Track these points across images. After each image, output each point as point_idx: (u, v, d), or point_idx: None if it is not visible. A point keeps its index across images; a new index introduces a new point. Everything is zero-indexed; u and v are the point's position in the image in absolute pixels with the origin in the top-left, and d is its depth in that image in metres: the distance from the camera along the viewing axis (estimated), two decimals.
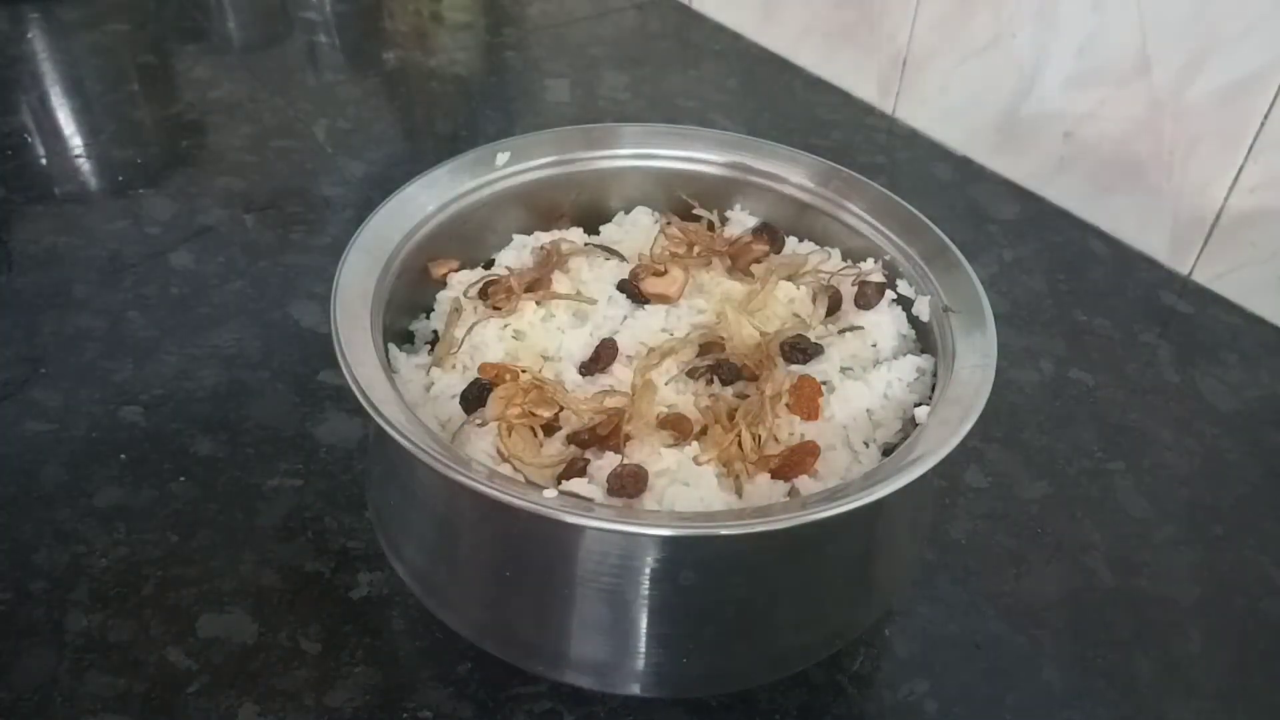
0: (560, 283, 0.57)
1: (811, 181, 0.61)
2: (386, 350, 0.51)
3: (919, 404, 0.52)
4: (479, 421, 0.49)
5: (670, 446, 0.48)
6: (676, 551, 0.44)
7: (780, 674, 0.52)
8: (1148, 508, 0.64)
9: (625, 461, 0.47)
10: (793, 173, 0.61)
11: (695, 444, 0.48)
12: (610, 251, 0.60)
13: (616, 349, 0.53)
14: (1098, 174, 0.87)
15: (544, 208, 0.62)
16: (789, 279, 0.57)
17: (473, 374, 0.52)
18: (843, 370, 0.54)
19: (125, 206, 0.85)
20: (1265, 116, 0.74)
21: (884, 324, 0.55)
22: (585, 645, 0.47)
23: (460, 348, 0.53)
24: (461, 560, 0.49)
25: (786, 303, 0.57)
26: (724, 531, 0.41)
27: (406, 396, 0.47)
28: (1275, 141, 0.75)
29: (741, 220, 0.63)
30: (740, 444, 0.48)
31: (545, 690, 0.51)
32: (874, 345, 0.55)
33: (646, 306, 0.57)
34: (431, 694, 0.51)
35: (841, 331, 0.55)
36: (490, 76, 1.10)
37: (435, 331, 0.56)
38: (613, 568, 0.45)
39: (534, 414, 0.49)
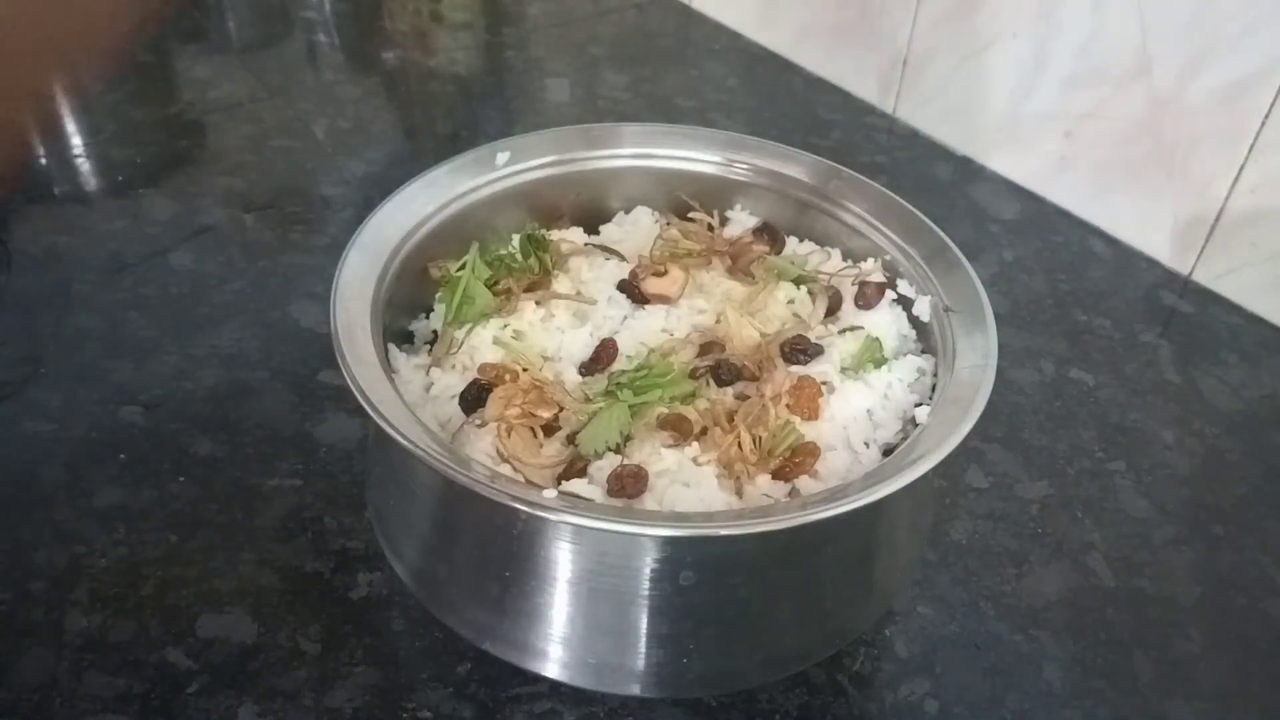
0: (560, 283, 0.57)
1: (811, 181, 0.61)
2: (386, 350, 0.51)
3: (919, 404, 0.52)
4: (478, 422, 0.49)
5: (670, 447, 0.48)
6: (676, 551, 0.44)
7: (780, 674, 0.52)
8: (1148, 508, 0.64)
9: (625, 461, 0.47)
10: (793, 173, 0.61)
11: (695, 444, 0.48)
12: (610, 251, 0.60)
13: (616, 349, 0.53)
14: (1098, 174, 0.87)
15: (544, 208, 0.62)
16: (792, 281, 0.57)
17: (472, 374, 0.52)
18: (843, 370, 0.54)
19: (125, 206, 0.85)
20: (1266, 116, 0.74)
21: (884, 324, 0.55)
22: (585, 645, 0.47)
23: (460, 348, 0.53)
24: (461, 560, 0.49)
25: (786, 303, 0.57)
26: (724, 531, 0.41)
27: (406, 396, 0.47)
28: (1276, 141, 0.75)
29: (741, 220, 0.63)
30: (740, 445, 0.48)
31: (545, 690, 0.51)
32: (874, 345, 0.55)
33: (646, 307, 0.57)
34: (431, 694, 0.51)
35: (841, 331, 0.55)
36: (490, 76, 1.10)
37: (435, 331, 0.56)
38: (613, 568, 0.45)
39: (534, 414, 0.49)
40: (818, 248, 0.61)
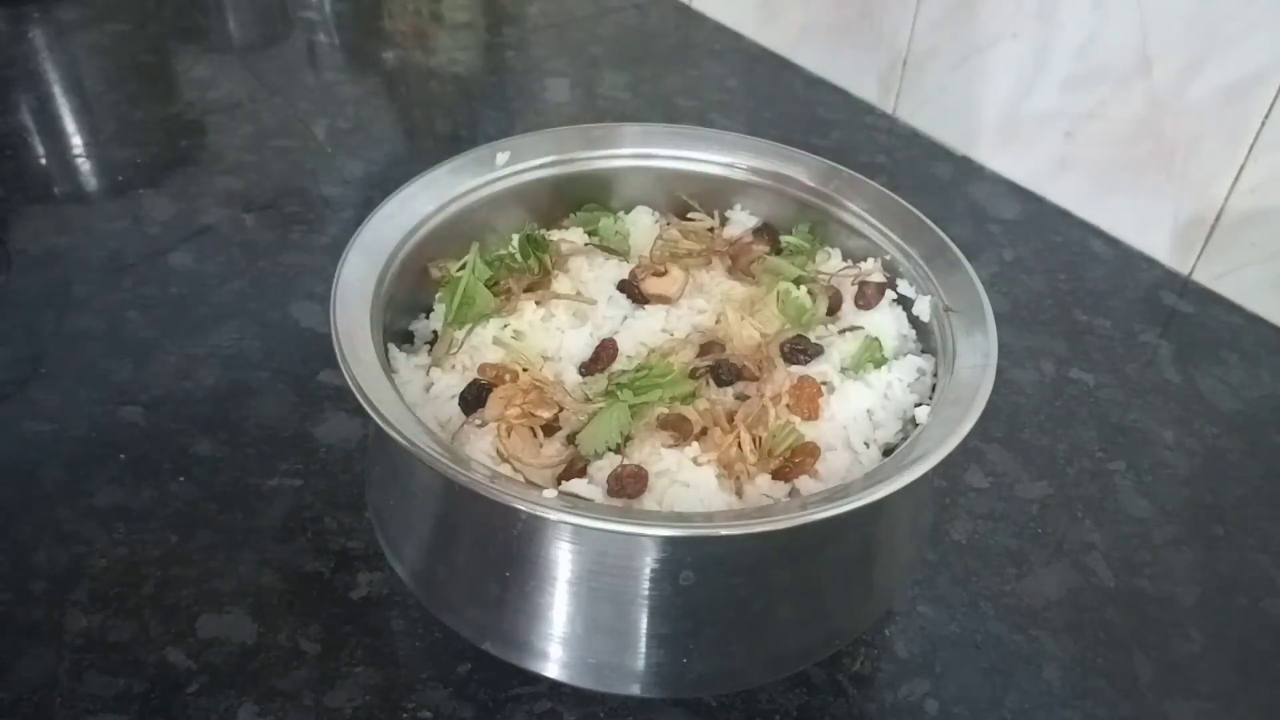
0: (560, 283, 0.57)
1: (811, 181, 0.61)
2: (386, 350, 0.51)
3: (919, 404, 0.52)
4: (478, 422, 0.49)
5: (670, 447, 0.48)
6: (676, 551, 0.44)
7: (780, 674, 0.52)
8: (1148, 508, 0.64)
9: (625, 461, 0.47)
10: (793, 173, 0.61)
11: (695, 444, 0.48)
12: (610, 251, 0.60)
13: (616, 349, 0.53)
14: (1098, 174, 0.87)
15: (544, 208, 0.62)
16: (792, 281, 0.57)
17: (472, 374, 0.52)
18: (843, 370, 0.54)
19: (125, 206, 0.85)
20: (1265, 116, 0.74)
21: (884, 324, 0.55)
22: (585, 645, 0.47)
23: (460, 348, 0.53)
24: (461, 560, 0.49)
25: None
26: (724, 531, 0.41)
27: (406, 396, 0.47)
28: (1276, 141, 0.75)
29: (741, 220, 0.63)
30: (740, 445, 0.48)
31: (545, 690, 0.51)
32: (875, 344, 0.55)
33: (646, 307, 0.57)
34: (431, 694, 0.51)
35: (842, 331, 0.55)
36: (490, 76, 1.10)
37: (435, 331, 0.56)
38: (613, 568, 0.45)
39: (534, 414, 0.49)
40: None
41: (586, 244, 0.61)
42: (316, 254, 0.81)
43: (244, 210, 0.85)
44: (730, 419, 0.49)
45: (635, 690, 0.48)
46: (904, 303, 0.56)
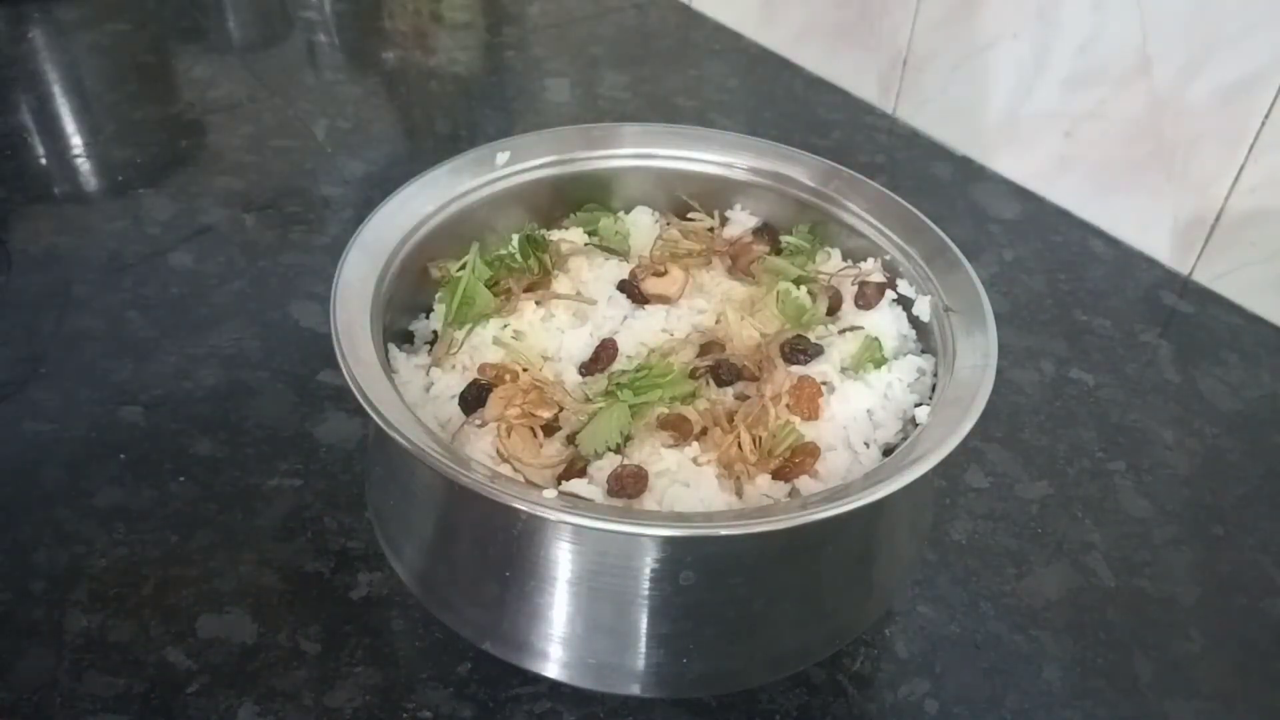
0: (560, 283, 0.57)
1: (811, 181, 0.61)
2: (386, 350, 0.51)
3: (919, 404, 0.52)
4: (478, 422, 0.49)
5: (670, 447, 0.48)
6: (676, 551, 0.44)
7: (780, 674, 0.52)
8: (1148, 508, 0.64)
9: (625, 461, 0.47)
10: (793, 173, 0.61)
11: (695, 444, 0.48)
12: (610, 251, 0.60)
13: (616, 349, 0.53)
14: (1098, 174, 0.87)
15: (544, 208, 0.62)
16: (792, 281, 0.57)
17: (472, 374, 0.52)
18: (843, 370, 0.54)
19: (125, 206, 0.85)
20: (1266, 116, 0.74)
21: (884, 324, 0.55)
22: (585, 645, 0.47)
23: (460, 348, 0.53)
24: (461, 560, 0.49)
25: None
26: (724, 531, 0.41)
27: (406, 396, 0.47)
28: (1276, 141, 0.75)
29: (741, 220, 0.63)
30: (740, 445, 0.48)
31: (545, 690, 0.51)
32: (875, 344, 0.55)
33: (646, 307, 0.57)
34: (431, 694, 0.51)
35: (842, 331, 0.55)
36: (490, 76, 1.10)
37: (435, 331, 0.56)
38: (613, 568, 0.45)
39: (534, 414, 0.49)
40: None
41: (586, 244, 0.61)
42: (316, 254, 0.81)
43: (244, 210, 0.85)
44: (730, 419, 0.49)
45: (635, 690, 0.48)
46: (904, 303, 0.56)
